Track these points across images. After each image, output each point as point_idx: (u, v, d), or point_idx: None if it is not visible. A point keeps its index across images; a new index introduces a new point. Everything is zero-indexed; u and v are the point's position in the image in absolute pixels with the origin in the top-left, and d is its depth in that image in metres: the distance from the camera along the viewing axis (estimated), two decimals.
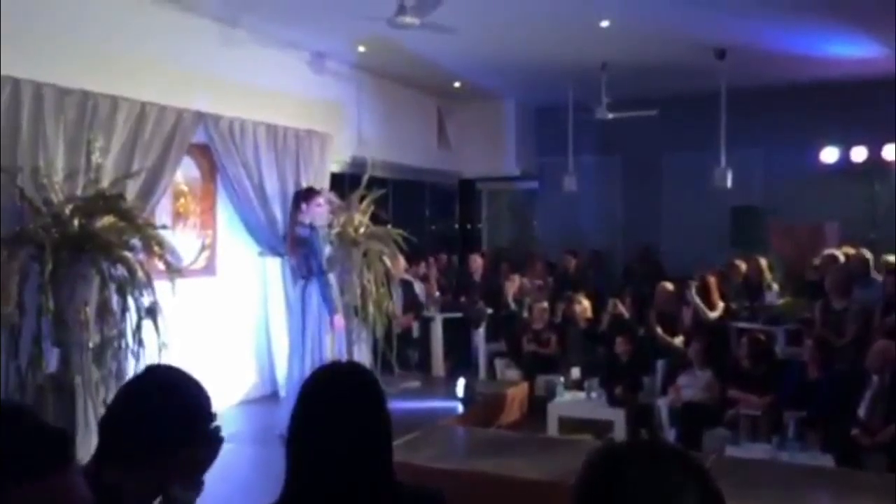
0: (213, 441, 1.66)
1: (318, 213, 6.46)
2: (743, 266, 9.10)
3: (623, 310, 8.61)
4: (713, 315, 8.24)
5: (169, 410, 1.63)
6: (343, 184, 8.58)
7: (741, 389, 6.84)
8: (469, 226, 12.45)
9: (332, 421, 1.68)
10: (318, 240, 6.28)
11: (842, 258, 8.23)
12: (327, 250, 6.55)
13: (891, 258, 8.23)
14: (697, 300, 8.25)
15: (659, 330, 8.21)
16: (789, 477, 5.38)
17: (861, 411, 6.01)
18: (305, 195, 6.54)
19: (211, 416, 1.67)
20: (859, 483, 5.38)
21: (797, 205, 10.41)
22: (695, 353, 7.27)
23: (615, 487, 1.07)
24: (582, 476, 1.11)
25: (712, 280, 8.47)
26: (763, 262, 9.03)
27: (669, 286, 8.63)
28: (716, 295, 8.38)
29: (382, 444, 1.72)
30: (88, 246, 5.10)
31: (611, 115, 9.37)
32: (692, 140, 10.32)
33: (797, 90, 10.05)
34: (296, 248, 6.37)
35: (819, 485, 5.44)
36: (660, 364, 7.92)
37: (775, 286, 8.80)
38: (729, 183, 9.13)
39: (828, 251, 8.49)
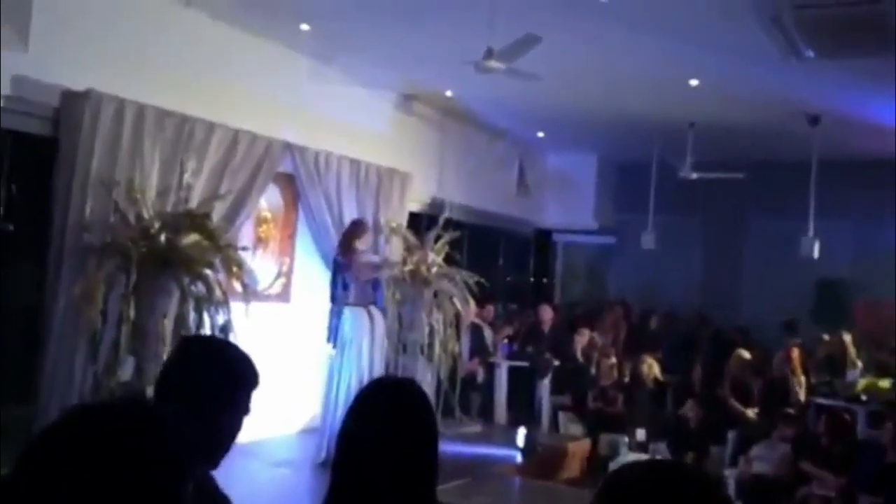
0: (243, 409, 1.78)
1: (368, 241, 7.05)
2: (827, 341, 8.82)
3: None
4: (801, 390, 8.01)
5: (215, 376, 1.77)
6: (420, 223, 8.70)
7: (816, 466, 6.57)
8: (544, 277, 12.41)
9: (377, 432, 1.69)
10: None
11: None
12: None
13: None
14: (789, 373, 8.04)
15: (732, 399, 7.99)
16: None
17: None
18: (359, 222, 7.07)
19: (250, 385, 1.79)
20: None
21: (885, 281, 10.02)
22: (779, 426, 7.05)
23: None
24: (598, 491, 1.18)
25: (797, 353, 8.24)
26: (847, 337, 8.71)
27: (745, 354, 8.45)
28: (801, 369, 8.16)
29: (428, 461, 1.71)
30: (172, 261, 5.31)
31: (695, 175, 9.26)
32: (779, 207, 10.12)
33: (891, 163, 9.75)
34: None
35: None
36: (731, 434, 7.69)
37: (859, 364, 8.46)
38: (816, 253, 8.88)
39: None
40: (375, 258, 7.06)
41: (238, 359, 1.83)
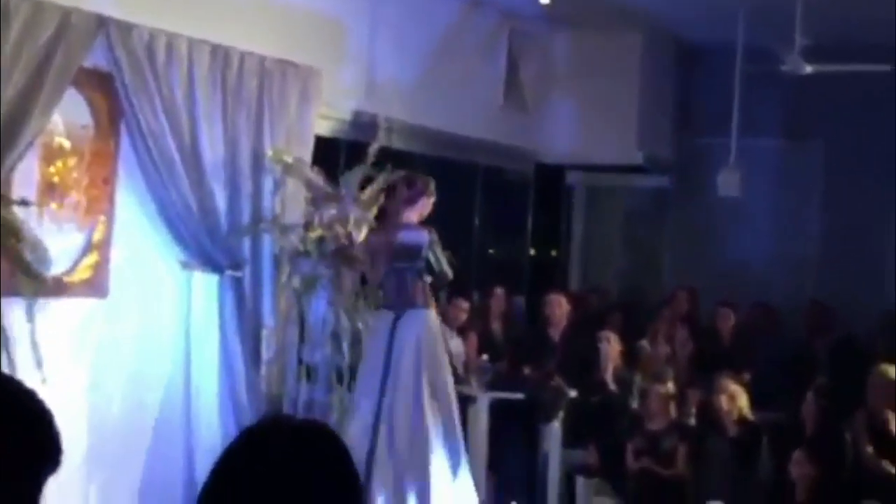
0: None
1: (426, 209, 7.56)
2: None
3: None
4: None
5: None
6: (336, 155, 8.70)
7: None
8: (551, 247, 12.46)
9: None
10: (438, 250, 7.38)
11: None
12: None
13: None
14: None
15: (870, 448, 8.14)
16: None
17: None
18: (412, 179, 7.52)
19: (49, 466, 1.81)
20: None
21: None
22: None
23: None
24: None
25: None
26: None
27: (893, 373, 8.54)
28: None
29: None
30: None
31: (809, 69, 9.33)
32: None
33: None
34: (394, 261, 7.16)
35: None
36: None
37: None
38: None
39: None
40: (419, 234, 7.35)
41: (29, 414, 1.85)
